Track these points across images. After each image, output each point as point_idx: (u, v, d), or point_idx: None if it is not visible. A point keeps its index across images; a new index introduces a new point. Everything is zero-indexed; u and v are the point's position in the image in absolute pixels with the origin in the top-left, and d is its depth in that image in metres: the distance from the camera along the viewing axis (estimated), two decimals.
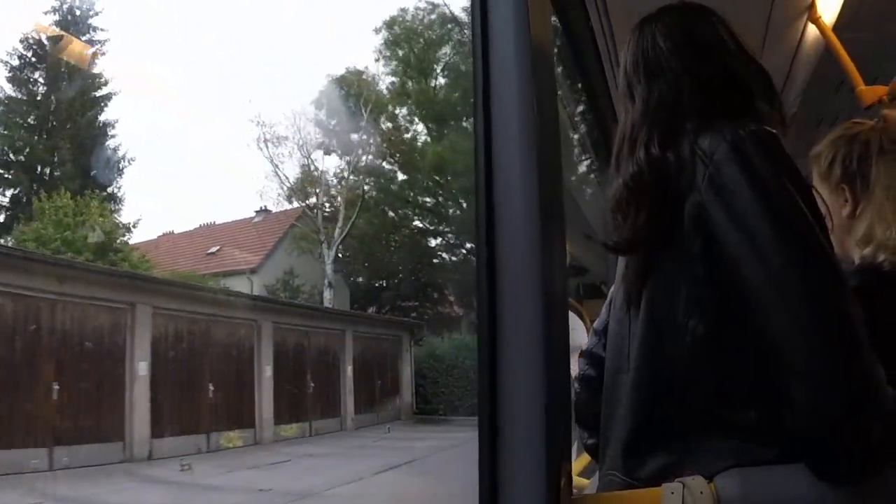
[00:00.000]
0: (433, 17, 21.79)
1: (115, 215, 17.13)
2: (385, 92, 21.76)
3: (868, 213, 1.07)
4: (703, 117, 0.86)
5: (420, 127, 22.20)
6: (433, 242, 22.94)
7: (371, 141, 21.21)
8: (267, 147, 20.68)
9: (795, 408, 0.73)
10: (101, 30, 18.28)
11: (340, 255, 21.02)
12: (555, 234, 0.82)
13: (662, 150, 0.86)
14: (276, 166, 21.11)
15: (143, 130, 27.91)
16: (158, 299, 11.19)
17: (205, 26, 31.21)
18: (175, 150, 28.76)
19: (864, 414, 0.70)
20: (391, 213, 22.24)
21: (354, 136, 20.82)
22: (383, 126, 21.57)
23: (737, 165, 0.79)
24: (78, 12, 18.00)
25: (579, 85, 2.26)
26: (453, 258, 22.21)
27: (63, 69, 17.16)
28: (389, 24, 21.69)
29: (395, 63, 21.88)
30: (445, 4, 21.33)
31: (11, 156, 17.42)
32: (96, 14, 18.16)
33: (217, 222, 21.39)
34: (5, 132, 17.40)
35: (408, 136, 22.16)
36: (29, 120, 17.51)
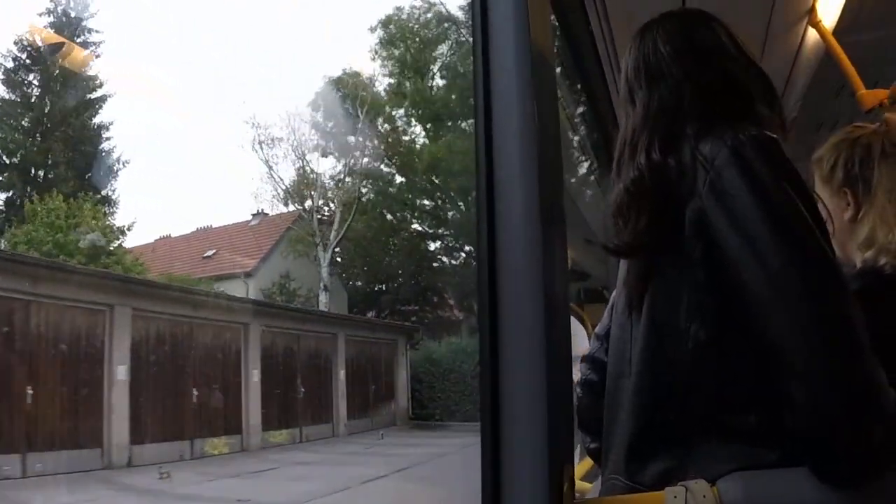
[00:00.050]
0: (429, 15, 21.82)
1: (109, 218, 17.08)
2: (382, 93, 21.79)
3: (870, 216, 1.07)
4: (703, 122, 0.87)
5: (418, 129, 22.25)
6: (432, 246, 22.95)
7: (367, 143, 21.21)
8: (262, 149, 20.70)
9: (796, 409, 0.73)
10: (96, 31, 18.28)
11: (339, 260, 21.00)
12: (556, 238, 0.82)
13: (663, 155, 0.87)
14: (271, 168, 21.15)
15: (138, 132, 27.90)
16: (139, 301, 10.87)
17: (199, 28, 31.26)
18: (172, 153, 28.79)
19: (865, 416, 0.70)
20: (389, 216, 22.21)
21: (351, 139, 20.84)
22: (381, 128, 21.58)
23: (737, 170, 0.79)
24: (73, 14, 17.99)
25: (578, 86, 2.26)
26: (453, 261, 22.20)
27: (57, 72, 17.11)
28: (385, 23, 21.68)
29: (391, 63, 21.87)
30: (441, 3, 21.41)
31: (5, 158, 17.35)
32: (91, 16, 18.17)
33: (214, 226, 21.41)
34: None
35: (406, 138, 22.18)
36: (23, 122, 17.44)
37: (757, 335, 0.76)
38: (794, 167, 0.82)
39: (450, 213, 21.97)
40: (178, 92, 25.80)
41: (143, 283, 12.73)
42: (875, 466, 0.72)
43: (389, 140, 21.54)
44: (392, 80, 21.98)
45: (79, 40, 17.57)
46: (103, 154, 18.17)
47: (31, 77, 17.53)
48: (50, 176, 17.26)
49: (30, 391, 8.89)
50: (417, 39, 21.63)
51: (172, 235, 21.21)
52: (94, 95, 18.18)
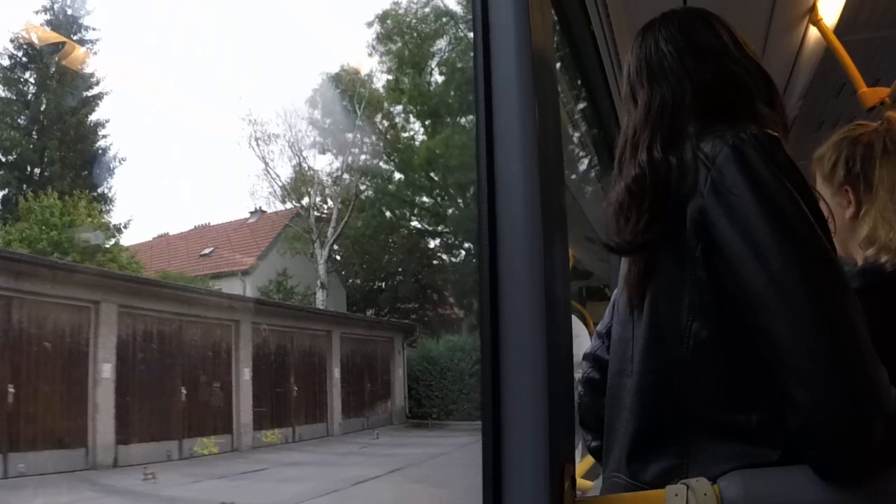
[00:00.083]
0: (427, 10, 21.69)
1: (105, 216, 17.03)
2: (380, 89, 21.72)
3: (871, 214, 1.07)
4: (705, 121, 0.87)
5: (417, 125, 22.18)
6: (432, 243, 22.89)
7: (366, 140, 21.16)
8: (258, 146, 20.63)
9: (797, 407, 0.73)
10: (93, 29, 18.24)
11: (338, 257, 20.95)
12: (557, 236, 0.82)
13: (665, 153, 0.87)
14: (267, 164, 21.11)
15: (135, 130, 27.80)
16: (125, 298, 10.58)
17: (195, 24, 31.13)
18: (169, 150, 28.70)
19: (866, 414, 0.70)
20: (388, 213, 22.14)
21: (349, 135, 20.77)
22: (379, 125, 21.52)
23: (738, 168, 0.79)
24: (69, 11, 17.92)
25: (579, 81, 2.25)
26: (452, 259, 22.17)
27: (53, 69, 17.05)
28: (382, 17, 21.54)
29: (388, 58, 21.80)
30: None
31: (1, 156, 17.29)
32: (87, 13, 18.12)
33: (212, 223, 21.37)
34: None
35: (405, 134, 22.11)
36: (19, 120, 17.39)
37: (758, 333, 0.76)
38: (796, 165, 0.82)
39: (449, 210, 21.92)
40: (174, 89, 25.75)
41: (130, 279, 12.29)
42: (876, 465, 0.72)
43: (387, 136, 21.48)
44: (390, 77, 21.95)
45: (75, 38, 17.51)
46: (100, 152, 18.15)
47: (27, 75, 17.48)
48: (46, 173, 17.20)
49: (11, 389, 8.72)
50: (415, 34, 21.53)
51: (170, 233, 21.20)
52: (90, 93, 18.13)
